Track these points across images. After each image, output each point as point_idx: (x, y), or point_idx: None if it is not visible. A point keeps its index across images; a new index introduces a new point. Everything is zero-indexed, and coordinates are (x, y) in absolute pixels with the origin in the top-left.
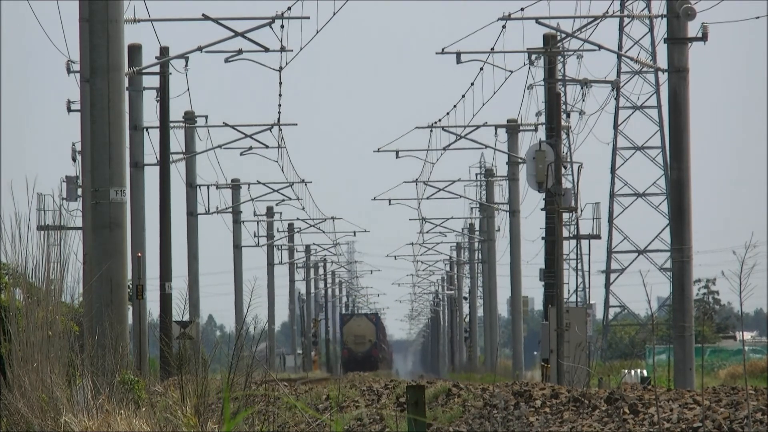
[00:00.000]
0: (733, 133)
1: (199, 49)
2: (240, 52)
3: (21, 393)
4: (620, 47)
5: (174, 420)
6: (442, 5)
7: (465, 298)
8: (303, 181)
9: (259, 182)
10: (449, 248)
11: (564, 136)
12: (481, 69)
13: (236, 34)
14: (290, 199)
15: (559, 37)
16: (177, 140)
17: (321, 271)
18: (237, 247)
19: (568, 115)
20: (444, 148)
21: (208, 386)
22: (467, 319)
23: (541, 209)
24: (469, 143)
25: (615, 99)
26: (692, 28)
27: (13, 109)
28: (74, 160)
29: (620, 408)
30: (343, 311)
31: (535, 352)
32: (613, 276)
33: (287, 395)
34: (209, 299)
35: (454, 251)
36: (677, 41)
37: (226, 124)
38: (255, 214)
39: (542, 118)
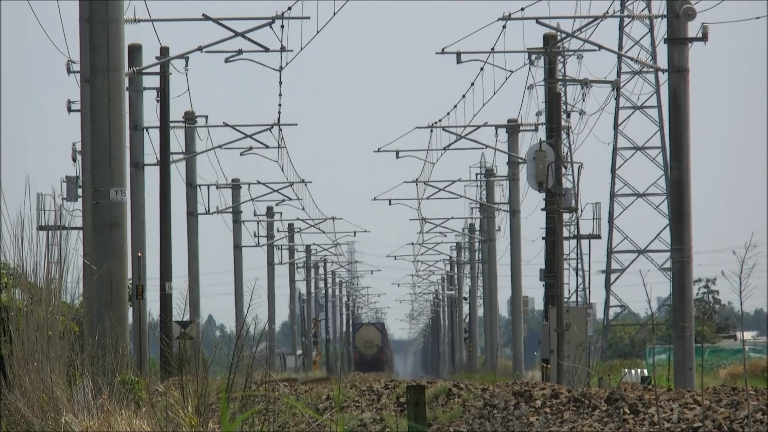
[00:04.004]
0: (732, 133)
1: (199, 49)
2: (240, 52)
3: (21, 393)
4: (620, 47)
5: (176, 419)
6: (442, 5)
7: (465, 299)
8: (303, 181)
9: (259, 182)
10: (449, 248)
11: (564, 136)
12: (482, 69)
13: (236, 34)
14: (290, 199)
15: (559, 37)
16: (177, 140)
17: (321, 271)
18: (237, 247)
19: (569, 115)
20: (444, 148)
21: (208, 386)
22: (467, 320)
23: (542, 209)
24: (469, 143)
25: (615, 99)
26: (692, 28)
27: (13, 109)
28: (74, 160)
29: (620, 408)
30: (344, 311)
31: (536, 352)
32: (613, 276)
33: (287, 395)
34: (209, 299)
35: (454, 251)
36: (677, 41)
37: (226, 124)
38: (255, 214)
39: (542, 118)
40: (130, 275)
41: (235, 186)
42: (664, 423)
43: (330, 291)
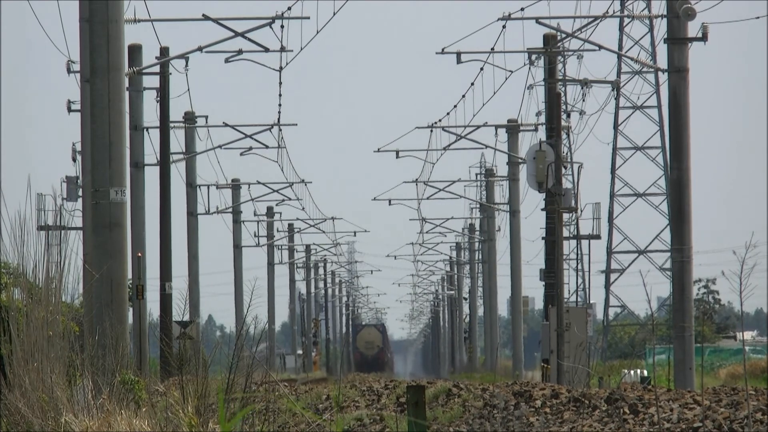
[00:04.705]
0: (732, 133)
1: (199, 49)
2: (240, 52)
3: (21, 393)
4: (620, 47)
5: (175, 420)
6: (442, 5)
7: (465, 298)
8: (303, 181)
9: (259, 182)
10: (449, 248)
11: (564, 136)
12: (481, 69)
13: (236, 34)
14: (290, 199)
15: (559, 37)
16: (177, 140)
17: (321, 271)
18: (237, 247)
19: (568, 115)
20: (444, 148)
21: (208, 386)
22: (467, 320)
23: (542, 209)
24: (469, 143)
25: (615, 99)
26: (692, 28)
27: (13, 109)
28: (74, 160)
29: (620, 408)
30: (344, 311)
31: (536, 353)
32: (613, 276)
33: (287, 396)
34: (209, 299)
35: (454, 251)
36: (677, 41)
37: (226, 124)
38: (255, 214)
39: (542, 118)
40: (130, 275)
41: (235, 186)
42: (664, 423)
43: (330, 291)
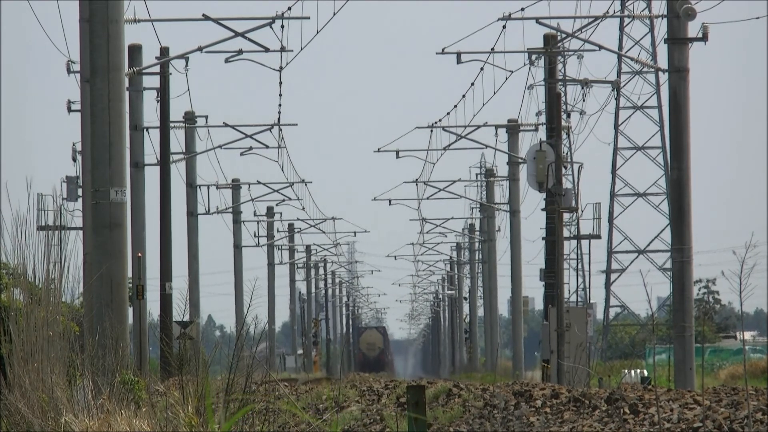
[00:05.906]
0: (732, 133)
1: (199, 49)
2: (240, 52)
3: (21, 393)
4: (620, 47)
5: (175, 420)
6: (442, 5)
7: (465, 299)
8: (303, 181)
9: (259, 182)
10: (449, 248)
11: (564, 136)
12: (482, 69)
13: (236, 34)
14: (290, 199)
15: (559, 37)
16: (177, 140)
17: (321, 271)
18: (237, 247)
19: (569, 115)
20: (444, 148)
21: (209, 386)
22: (467, 320)
23: (542, 209)
24: (469, 143)
25: (615, 99)
26: (692, 28)
27: (13, 109)
28: (74, 160)
29: (620, 408)
30: (344, 311)
31: (536, 353)
32: (613, 276)
33: (287, 396)
34: (209, 299)
35: (454, 251)
36: (677, 41)
37: (226, 124)
38: (255, 214)
39: (542, 118)
40: (130, 275)
41: (235, 186)
42: (664, 423)
43: (330, 291)
